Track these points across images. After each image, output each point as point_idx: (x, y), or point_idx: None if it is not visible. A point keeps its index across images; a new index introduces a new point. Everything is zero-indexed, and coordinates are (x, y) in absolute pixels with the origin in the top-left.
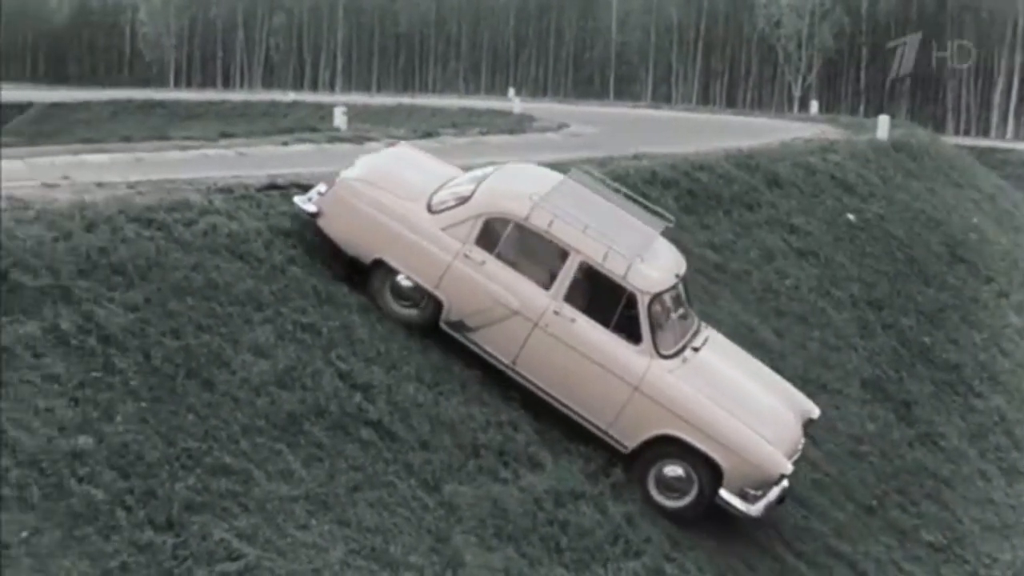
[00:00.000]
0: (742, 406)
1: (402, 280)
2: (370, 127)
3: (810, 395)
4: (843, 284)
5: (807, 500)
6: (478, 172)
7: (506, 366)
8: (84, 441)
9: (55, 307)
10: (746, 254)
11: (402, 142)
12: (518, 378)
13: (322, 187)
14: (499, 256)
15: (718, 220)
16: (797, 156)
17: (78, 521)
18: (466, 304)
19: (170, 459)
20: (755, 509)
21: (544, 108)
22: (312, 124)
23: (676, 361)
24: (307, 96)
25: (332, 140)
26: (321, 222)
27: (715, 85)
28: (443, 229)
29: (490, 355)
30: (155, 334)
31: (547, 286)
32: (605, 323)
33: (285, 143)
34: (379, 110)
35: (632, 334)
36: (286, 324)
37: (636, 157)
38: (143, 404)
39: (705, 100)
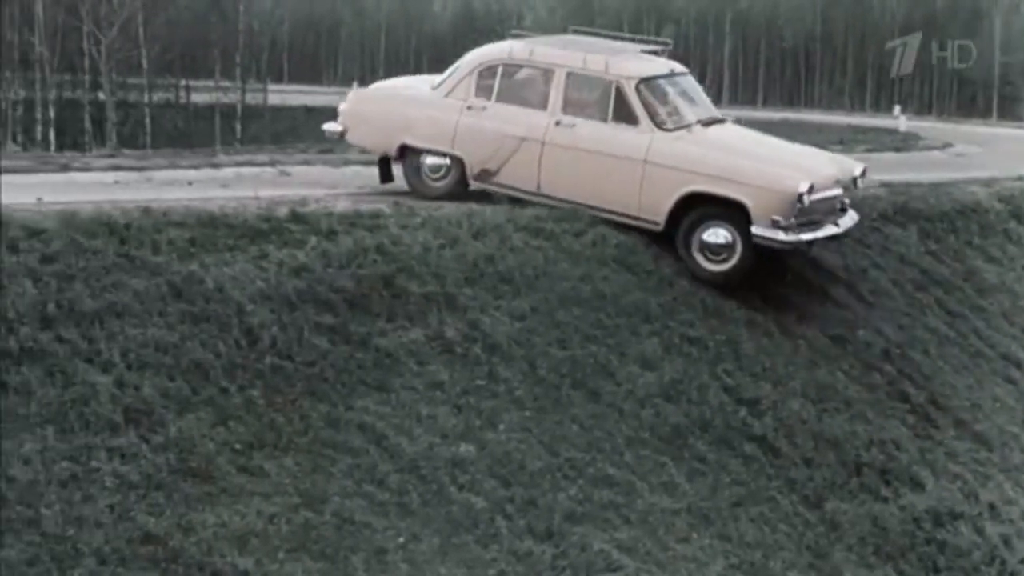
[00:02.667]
0: (749, 150)
1: (427, 160)
2: None
3: None
4: None
5: None
6: None
7: (533, 194)
8: (465, 449)
9: (440, 314)
10: None
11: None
12: (548, 201)
13: (343, 106)
14: (498, 99)
15: None
16: None
17: (457, 528)
18: (481, 150)
19: (552, 469)
20: (793, 237)
21: (928, 127)
22: None
23: (680, 132)
24: None
25: None
26: (348, 137)
27: None
28: (446, 96)
29: (517, 191)
30: (541, 344)
31: (545, 107)
32: (603, 118)
33: None
34: (763, 124)
35: (629, 119)
36: (673, 337)
37: (1021, 178)
38: (527, 413)
39: None
